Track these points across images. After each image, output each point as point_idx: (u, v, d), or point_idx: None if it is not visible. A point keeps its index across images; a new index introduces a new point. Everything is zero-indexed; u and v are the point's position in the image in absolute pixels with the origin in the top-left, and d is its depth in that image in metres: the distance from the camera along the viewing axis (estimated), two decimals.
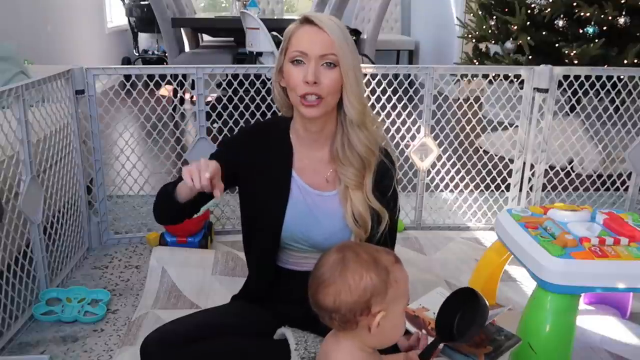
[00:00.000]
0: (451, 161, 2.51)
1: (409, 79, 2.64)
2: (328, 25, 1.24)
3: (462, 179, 2.55)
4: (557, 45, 3.20)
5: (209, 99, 3.64)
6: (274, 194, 1.35)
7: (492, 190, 2.59)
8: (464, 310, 1.20)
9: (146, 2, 5.73)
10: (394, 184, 1.38)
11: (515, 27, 3.35)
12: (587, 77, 2.37)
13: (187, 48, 5.04)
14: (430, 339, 1.20)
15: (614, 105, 2.45)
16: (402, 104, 2.40)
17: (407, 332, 1.25)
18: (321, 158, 1.36)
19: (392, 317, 1.01)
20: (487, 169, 2.53)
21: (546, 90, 2.31)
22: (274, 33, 3.52)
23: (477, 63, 3.68)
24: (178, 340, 1.26)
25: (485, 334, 1.24)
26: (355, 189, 1.32)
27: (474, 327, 1.17)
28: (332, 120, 1.33)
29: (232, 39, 4.80)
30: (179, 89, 2.43)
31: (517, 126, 2.44)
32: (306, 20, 1.27)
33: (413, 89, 2.49)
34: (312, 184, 1.35)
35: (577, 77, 2.36)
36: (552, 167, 2.50)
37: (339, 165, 1.33)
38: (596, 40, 3.03)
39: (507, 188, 2.54)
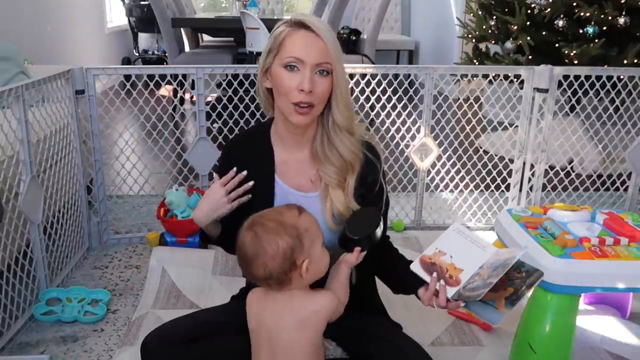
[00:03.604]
0: (451, 161, 2.51)
1: (409, 79, 2.64)
2: (323, 32, 1.22)
3: (462, 179, 2.55)
4: (557, 45, 3.20)
5: (209, 99, 3.64)
6: (258, 200, 1.33)
7: (492, 190, 2.59)
8: (356, 214, 1.27)
9: (146, 2, 5.73)
10: (380, 178, 1.36)
11: (515, 27, 3.35)
12: (587, 77, 2.37)
13: (187, 48, 5.04)
14: (450, 289, 1.17)
15: (614, 105, 2.45)
16: (402, 104, 2.40)
17: (424, 282, 1.23)
18: (303, 159, 1.34)
19: (316, 257, 1.15)
20: (487, 169, 2.53)
21: (546, 90, 2.31)
22: None
23: (477, 63, 3.68)
24: (178, 339, 1.26)
25: (506, 274, 1.18)
26: (336, 187, 1.30)
27: (367, 220, 1.24)
28: (314, 122, 1.31)
29: (232, 39, 4.80)
30: (179, 89, 2.43)
31: (517, 126, 2.44)
32: (301, 25, 1.23)
33: (413, 89, 2.50)
34: (296, 186, 1.34)
35: (577, 77, 2.36)
36: (552, 167, 2.50)
37: (319, 163, 1.31)
38: (596, 40, 3.03)
39: (507, 188, 2.54)
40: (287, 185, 1.34)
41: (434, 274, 1.21)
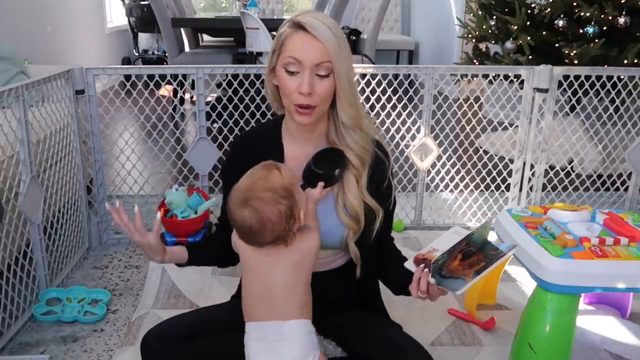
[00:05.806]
0: (451, 161, 2.51)
1: (409, 79, 2.64)
2: (323, 33, 1.21)
3: (462, 179, 2.55)
4: (557, 45, 3.20)
5: (209, 99, 3.64)
6: None
7: (492, 190, 2.59)
8: (323, 152, 1.30)
9: (146, 2, 5.73)
10: (389, 176, 1.37)
11: (515, 27, 3.35)
12: (587, 77, 2.37)
13: (187, 48, 5.04)
14: (432, 279, 1.21)
15: (614, 105, 2.45)
16: (402, 104, 2.40)
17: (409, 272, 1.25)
18: (314, 153, 1.33)
19: (303, 203, 1.21)
20: (487, 169, 2.53)
21: (546, 90, 2.31)
22: (274, 33, 3.52)
23: (477, 63, 3.67)
24: (178, 337, 1.26)
25: (483, 254, 1.23)
26: (352, 179, 1.31)
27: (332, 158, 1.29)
28: (324, 118, 1.32)
29: (232, 39, 4.80)
30: (179, 89, 2.43)
31: (517, 126, 2.44)
32: (300, 27, 1.23)
33: (413, 89, 2.50)
34: None
35: (577, 77, 2.36)
36: (552, 167, 2.50)
37: None
38: (596, 40, 3.03)
39: (507, 188, 2.54)
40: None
41: (421, 265, 1.23)
